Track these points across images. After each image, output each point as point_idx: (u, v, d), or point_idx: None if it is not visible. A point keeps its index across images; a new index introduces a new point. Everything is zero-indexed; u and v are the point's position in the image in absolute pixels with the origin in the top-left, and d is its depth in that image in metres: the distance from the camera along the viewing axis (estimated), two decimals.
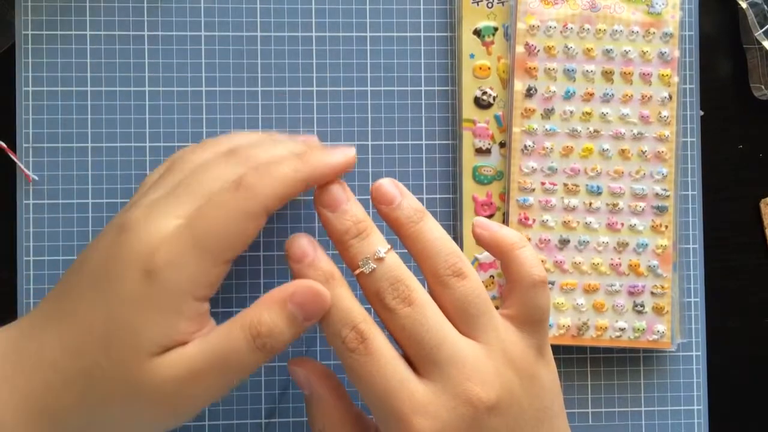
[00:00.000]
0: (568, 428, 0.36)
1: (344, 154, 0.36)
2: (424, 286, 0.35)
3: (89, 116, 0.42)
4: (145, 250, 0.32)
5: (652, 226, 0.43)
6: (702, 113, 0.45)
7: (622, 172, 0.43)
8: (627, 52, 0.43)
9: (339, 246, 0.35)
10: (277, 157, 0.35)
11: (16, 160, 0.42)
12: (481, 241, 0.37)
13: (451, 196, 0.44)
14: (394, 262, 0.34)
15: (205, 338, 0.33)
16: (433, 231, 0.35)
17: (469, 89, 0.43)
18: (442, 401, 0.32)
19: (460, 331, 0.34)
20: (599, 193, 0.43)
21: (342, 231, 0.34)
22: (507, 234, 0.36)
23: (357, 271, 0.34)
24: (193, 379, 0.32)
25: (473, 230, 0.37)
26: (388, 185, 0.35)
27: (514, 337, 0.35)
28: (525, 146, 0.43)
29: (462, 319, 0.34)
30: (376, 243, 0.34)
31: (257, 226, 0.33)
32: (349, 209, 0.35)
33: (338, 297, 0.34)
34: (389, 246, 0.34)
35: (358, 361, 0.33)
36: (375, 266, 0.34)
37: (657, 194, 0.43)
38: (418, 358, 0.33)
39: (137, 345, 0.32)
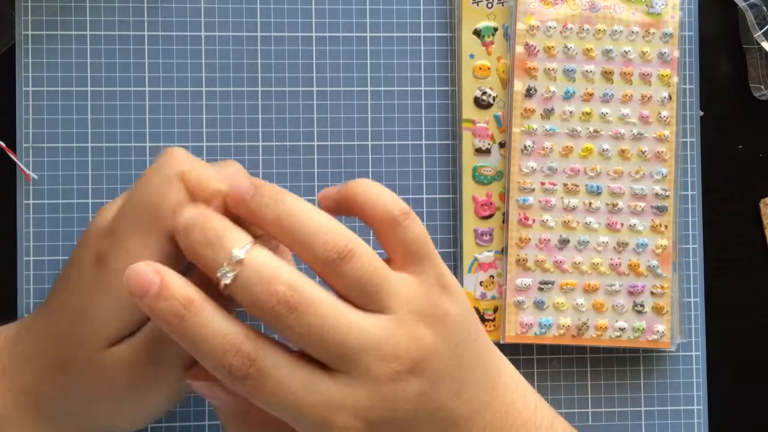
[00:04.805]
0: (490, 343, 0.34)
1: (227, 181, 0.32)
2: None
3: (89, 116, 0.42)
4: (96, 234, 0.32)
5: (652, 226, 0.43)
6: (702, 113, 0.45)
7: (622, 172, 0.43)
8: (627, 53, 0.43)
9: (194, 262, 0.30)
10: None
11: (16, 160, 0.42)
12: (333, 212, 0.32)
13: (451, 196, 0.44)
14: (260, 260, 0.29)
15: (149, 324, 0.32)
16: (298, 211, 0.30)
17: (469, 89, 0.43)
18: (361, 390, 0.29)
19: (362, 308, 0.30)
20: (599, 193, 0.43)
21: (192, 246, 0.30)
22: (347, 188, 0.32)
23: (220, 285, 0.29)
24: (147, 368, 0.31)
25: (322, 208, 0.33)
26: (237, 184, 0.31)
27: (415, 287, 0.31)
28: (525, 146, 0.43)
29: (361, 298, 0.30)
30: (230, 243, 0.29)
31: (179, 190, 0.31)
32: (194, 217, 0.30)
33: (202, 324, 0.28)
34: (250, 241, 0.29)
35: (254, 386, 0.29)
36: (235, 271, 0.29)
37: (657, 194, 0.43)
38: (327, 357, 0.30)
39: (93, 335, 0.32)
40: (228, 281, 0.28)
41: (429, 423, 0.31)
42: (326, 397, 0.29)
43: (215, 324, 0.28)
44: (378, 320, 0.30)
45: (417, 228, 0.32)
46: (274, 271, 0.29)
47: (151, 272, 0.28)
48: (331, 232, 0.30)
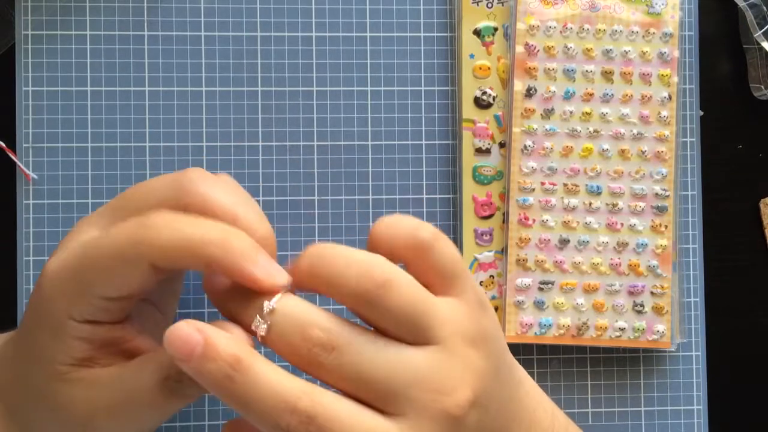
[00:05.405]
0: (509, 351, 0.33)
1: (269, 276, 0.28)
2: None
3: (89, 116, 0.42)
4: (48, 260, 0.31)
5: (652, 226, 0.43)
6: (702, 113, 0.45)
7: (622, 172, 0.43)
8: (627, 53, 0.43)
9: (224, 315, 0.29)
10: (209, 224, 0.29)
11: (15, 160, 0.42)
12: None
13: (451, 196, 0.44)
14: (292, 307, 0.28)
15: (121, 365, 0.31)
16: (330, 254, 0.28)
17: (469, 89, 0.43)
18: (424, 430, 0.28)
19: (405, 341, 0.29)
20: (599, 193, 0.43)
21: (223, 305, 0.29)
22: (373, 233, 0.30)
23: (258, 338, 0.28)
24: (107, 408, 0.30)
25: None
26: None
27: (460, 310, 0.30)
28: (525, 146, 0.43)
29: (408, 330, 0.29)
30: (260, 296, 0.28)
31: (138, 277, 0.29)
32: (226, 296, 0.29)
33: (254, 383, 0.27)
34: (279, 292, 0.29)
35: None
36: (268, 322, 0.28)
37: (657, 194, 0.43)
38: (375, 398, 0.28)
39: (41, 357, 0.31)
40: (263, 333, 0.28)
41: None
42: None
43: (268, 381, 0.27)
44: (424, 352, 0.28)
45: (450, 248, 0.30)
46: (307, 316, 0.28)
47: (194, 332, 0.27)
48: (366, 263, 0.28)
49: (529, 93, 0.43)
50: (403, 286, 0.28)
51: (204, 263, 0.28)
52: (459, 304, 0.30)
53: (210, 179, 0.31)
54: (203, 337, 0.27)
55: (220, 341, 0.27)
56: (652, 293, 0.43)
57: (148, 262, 0.29)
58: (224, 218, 0.30)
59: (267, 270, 0.28)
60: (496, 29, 0.43)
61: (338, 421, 0.27)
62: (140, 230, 0.29)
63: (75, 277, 0.30)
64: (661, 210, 0.43)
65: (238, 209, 0.30)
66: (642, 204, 0.43)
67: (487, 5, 0.43)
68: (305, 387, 0.27)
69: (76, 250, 0.30)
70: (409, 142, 0.44)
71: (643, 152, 0.43)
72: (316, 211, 0.43)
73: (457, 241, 0.43)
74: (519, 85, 0.43)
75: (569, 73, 0.43)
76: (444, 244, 0.30)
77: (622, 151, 0.43)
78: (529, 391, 0.34)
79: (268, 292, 0.28)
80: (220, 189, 0.31)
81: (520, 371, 0.34)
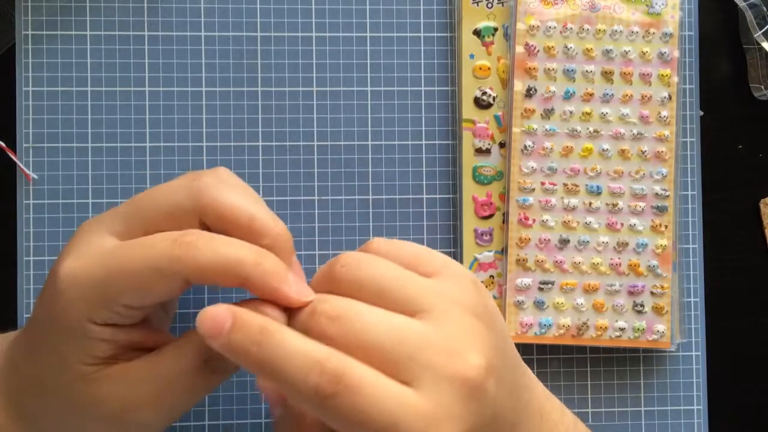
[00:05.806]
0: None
1: (299, 294, 0.30)
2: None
3: (89, 116, 0.42)
4: (62, 263, 0.31)
5: (652, 226, 0.43)
6: (702, 113, 0.45)
7: (622, 172, 0.43)
8: (627, 53, 0.43)
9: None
10: (241, 245, 0.31)
11: (15, 160, 0.42)
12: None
13: (451, 196, 0.44)
14: None
15: (152, 356, 0.31)
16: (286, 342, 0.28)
17: (469, 89, 0.43)
18: (445, 396, 0.28)
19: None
20: (599, 193, 0.43)
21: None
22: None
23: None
24: (145, 399, 0.31)
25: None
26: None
27: (448, 285, 0.31)
28: (525, 146, 0.43)
29: (387, 302, 0.30)
30: None
31: (169, 290, 0.30)
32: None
33: (281, 345, 0.27)
34: None
35: (343, 405, 0.27)
36: None
37: (657, 194, 0.43)
38: (387, 367, 0.28)
39: (62, 359, 0.31)
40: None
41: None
42: (418, 411, 0.27)
43: (295, 343, 0.28)
44: (420, 318, 0.29)
45: (394, 245, 0.32)
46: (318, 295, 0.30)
47: (225, 312, 0.28)
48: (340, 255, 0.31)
49: (529, 93, 0.43)
50: (372, 261, 0.30)
51: (239, 282, 0.30)
52: (441, 280, 0.31)
53: (223, 183, 0.32)
54: (232, 314, 0.28)
55: (247, 314, 0.28)
56: (652, 293, 0.43)
57: (183, 278, 0.30)
58: (241, 220, 0.31)
59: (297, 288, 0.30)
60: (496, 29, 0.43)
61: (366, 379, 0.27)
62: (178, 248, 0.30)
63: (99, 285, 0.30)
64: (661, 210, 0.43)
65: (253, 210, 0.32)
66: (642, 204, 0.43)
67: (487, 5, 0.43)
68: (331, 351, 0.28)
69: (99, 258, 0.31)
70: (409, 142, 0.44)
71: (643, 152, 0.43)
72: (316, 211, 0.43)
73: (457, 241, 0.43)
74: (519, 85, 0.43)
75: (569, 73, 0.43)
76: (385, 244, 0.32)
77: (622, 151, 0.43)
78: (537, 383, 0.34)
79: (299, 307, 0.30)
80: (234, 192, 0.32)
81: (523, 363, 0.34)
